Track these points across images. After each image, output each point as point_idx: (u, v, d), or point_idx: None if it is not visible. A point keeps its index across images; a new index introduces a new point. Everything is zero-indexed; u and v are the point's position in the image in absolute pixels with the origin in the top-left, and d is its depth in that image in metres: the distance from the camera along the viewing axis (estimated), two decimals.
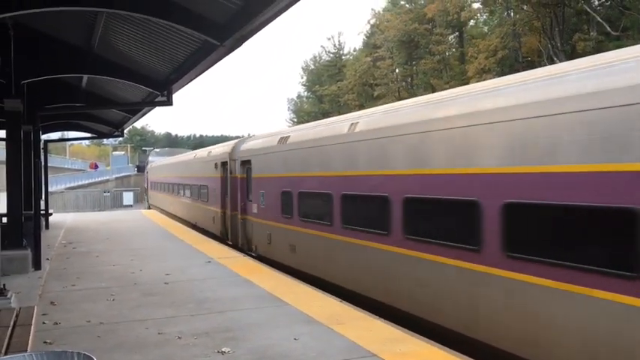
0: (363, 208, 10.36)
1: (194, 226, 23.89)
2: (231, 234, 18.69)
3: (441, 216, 8.21)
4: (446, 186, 7.91)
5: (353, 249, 10.53)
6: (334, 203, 11.25)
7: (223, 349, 6.56)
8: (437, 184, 8.10)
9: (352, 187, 10.65)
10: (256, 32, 8.49)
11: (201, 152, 25.31)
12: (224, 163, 19.36)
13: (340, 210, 11.07)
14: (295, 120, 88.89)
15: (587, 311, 5.81)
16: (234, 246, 17.53)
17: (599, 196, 5.71)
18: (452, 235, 7.82)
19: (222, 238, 19.34)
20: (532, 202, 6.49)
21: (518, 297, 6.64)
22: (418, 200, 8.53)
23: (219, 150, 21.22)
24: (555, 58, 38.52)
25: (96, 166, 79.89)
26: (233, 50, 9.55)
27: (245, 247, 17.01)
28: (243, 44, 9.13)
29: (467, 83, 40.53)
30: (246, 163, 17.23)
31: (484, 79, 36.50)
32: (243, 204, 17.45)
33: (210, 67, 11.23)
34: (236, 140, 20.09)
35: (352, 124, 10.99)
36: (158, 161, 41.77)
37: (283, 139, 14.39)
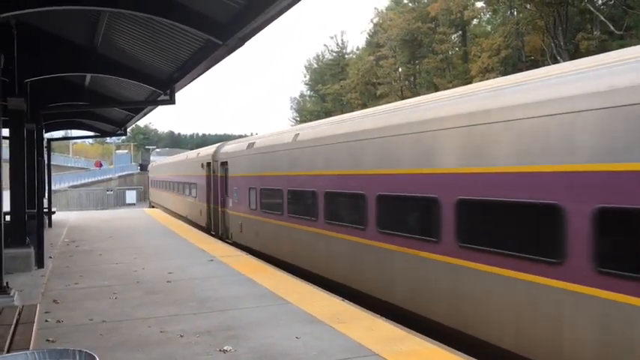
0: (300, 200, 13.22)
1: (186, 220, 26.37)
2: (214, 225, 21.31)
3: (344, 204, 11.37)
4: (343, 182, 11.11)
5: (294, 232, 13.47)
6: (284, 197, 14.12)
7: (225, 348, 6.58)
8: (340, 182, 11.26)
9: (294, 184, 13.42)
10: (258, 31, 8.50)
11: (192, 154, 28.49)
12: (209, 164, 22.07)
13: (287, 202, 13.98)
14: (298, 119, 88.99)
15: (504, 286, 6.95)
16: (217, 235, 20.03)
17: (526, 192, 6.58)
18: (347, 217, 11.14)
19: (207, 230, 21.79)
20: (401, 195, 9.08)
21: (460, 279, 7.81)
22: (336, 194, 11.55)
23: (205, 152, 24.14)
24: (559, 57, 38.45)
25: (100, 165, 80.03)
26: (235, 49, 9.56)
27: (224, 236, 19.69)
28: (246, 43, 9.14)
29: (470, 82, 40.73)
30: (224, 164, 19.83)
31: (487, 78, 36.50)
32: (222, 199, 20.04)
33: (212, 66, 11.24)
34: (219, 144, 22.63)
35: (295, 134, 13.85)
36: (157, 161, 45.46)
37: (250, 145, 17.28)
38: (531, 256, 6.50)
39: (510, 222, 6.99)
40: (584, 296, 5.89)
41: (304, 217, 12.88)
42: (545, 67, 7.61)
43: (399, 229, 9.16)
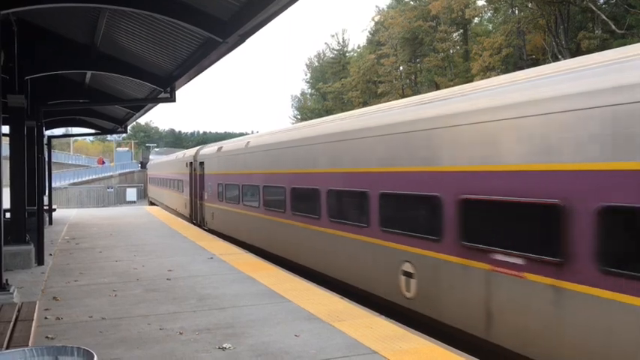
0: (250, 192, 17.06)
1: (176, 213, 29.98)
2: (194, 215, 25.29)
3: (276, 195, 14.53)
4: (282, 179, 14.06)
5: (248, 218, 17.23)
6: (240, 190, 17.92)
7: (224, 346, 6.58)
8: (281, 178, 14.13)
9: (246, 180, 17.34)
10: (259, 29, 8.50)
11: (180, 154, 32.78)
12: (191, 163, 25.79)
13: (242, 194, 17.77)
14: (299, 117, 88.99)
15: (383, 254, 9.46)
16: (197, 224, 23.87)
17: (420, 187, 8.40)
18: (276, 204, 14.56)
19: (190, 219, 25.70)
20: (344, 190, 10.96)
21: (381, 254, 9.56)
22: (272, 187, 14.72)
23: (188, 153, 28.34)
24: (560, 56, 38.40)
25: (103, 162, 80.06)
26: (236, 47, 9.56)
27: (202, 223, 23.48)
28: (247, 41, 9.14)
29: (471, 80, 40.76)
30: (202, 164, 23.47)
31: (488, 76, 36.42)
32: (200, 192, 23.81)
33: (213, 63, 11.24)
34: (200, 146, 27.26)
35: (247, 142, 17.83)
36: (155, 160, 50.46)
37: (219, 149, 21.13)
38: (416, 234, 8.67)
39: (411, 208, 8.89)
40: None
41: (254, 206, 16.50)
42: (433, 93, 9.52)
43: (344, 218, 10.90)
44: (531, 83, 6.77)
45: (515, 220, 6.67)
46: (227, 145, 20.58)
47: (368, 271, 9.85)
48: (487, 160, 7.08)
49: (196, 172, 24.56)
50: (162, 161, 41.48)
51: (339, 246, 10.96)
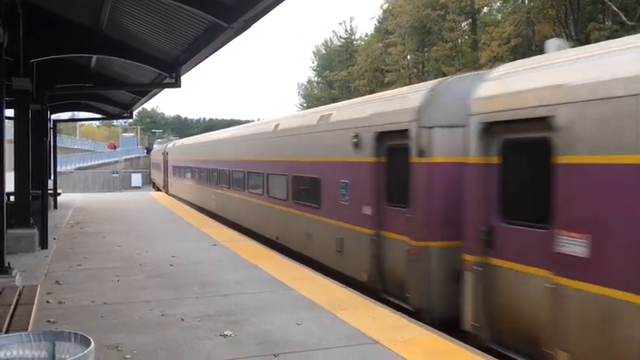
0: (205, 173, 23.97)
1: (158, 189, 42.16)
2: (164, 186, 37.82)
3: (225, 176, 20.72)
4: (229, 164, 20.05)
5: (199, 189, 25.22)
6: (194, 172, 27.08)
7: (226, 333, 6.56)
8: (224, 164, 20.54)
9: (200, 164, 25.17)
10: (264, 14, 8.39)
11: (162, 146, 46.12)
12: (165, 152, 38.21)
13: (196, 174, 26.57)
14: (305, 105, 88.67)
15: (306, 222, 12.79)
16: (166, 192, 35.74)
17: (349, 175, 10.66)
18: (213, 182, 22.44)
19: (165, 189, 37.51)
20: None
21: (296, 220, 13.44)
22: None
23: (165, 145, 41.44)
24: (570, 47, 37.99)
25: (114, 147, 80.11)
26: (241, 32, 9.46)
27: (167, 191, 35.64)
28: (252, 26, 9.03)
29: (479, 69, 40.17)
30: (168, 153, 36.53)
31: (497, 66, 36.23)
32: (168, 172, 36.53)
33: (218, 49, 11.14)
34: (174, 141, 42.00)
35: (198, 142, 28.46)
36: (155, 148, 58.51)
37: (176, 144, 35.08)
38: (309, 204, 12.63)
39: (305, 186, 12.92)
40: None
41: (207, 183, 23.67)
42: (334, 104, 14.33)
43: (291, 197, 13.89)
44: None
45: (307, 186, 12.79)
46: (178, 141, 36.95)
47: (312, 241, 12.42)
48: (304, 152, 12.95)
49: (167, 159, 37.42)
50: (156, 149, 49.48)
51: (271, 214, 15.24)
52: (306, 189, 12.78)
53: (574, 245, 5.58)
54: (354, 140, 10.14)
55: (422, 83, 10.11)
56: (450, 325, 7.41)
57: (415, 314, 8.00)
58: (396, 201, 9.04)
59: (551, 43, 7.55)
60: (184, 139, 37.20)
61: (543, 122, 5.96)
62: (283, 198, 14.14)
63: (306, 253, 12.37)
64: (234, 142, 19.70)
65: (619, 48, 5.69)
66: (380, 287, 9.37)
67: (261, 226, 15.96)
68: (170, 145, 37.63)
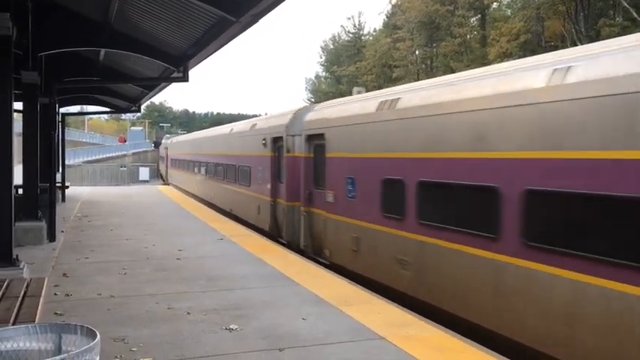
0: (191, 165, 30.54)
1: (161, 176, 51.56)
2: (164, 176, 46.75)
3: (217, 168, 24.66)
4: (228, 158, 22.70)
5: (188, 177, 31.89)
6: (184, 164, 34.00)
7: (231, 327, 6.57)
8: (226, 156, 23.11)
9: (187, 156, 32.57)
10: (272, 9, 8.36)
11: (168, 139, 52.12)
12: (166, 148, 45.90)
13: (185, 166, 33.82)
14: (313, 99, 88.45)
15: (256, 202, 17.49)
16: (165, 182, 43.80)
17: (262, 164, 16.49)
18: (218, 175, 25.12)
19: (164, 179, 47.01)
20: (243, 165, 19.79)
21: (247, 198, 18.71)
22: (213, 163, 24.19)
23: (167, 141, 49.48)
24: (579, 43, 37.76)
25: (124, 141, 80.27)
26: (249, 27, 9.44)
27: (167, 181, 43.19)
28: (260, 21, 9.02)
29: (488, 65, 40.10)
30: (167, 148, 44.13)
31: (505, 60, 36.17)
32: (168, 164, 43.59)
33: (226, 43, 11.13)
34: (172, 139, 47.19)
35: (173, 140, 43.21)
36: (163, 144, 67.08)
37: (172, 141, 43.66)
38: (245, 184, 18.45)
39: (243, 172, 18.33)
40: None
41: (194, 172, 29.76)
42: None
43: (237, 180, 19.78)
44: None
45: (244, 171, 18.60)
46: (174, 138, 45.72)
47: (247, 209, 18.24)
48: (242, 149, 18.83)
49: (167, 153, 45.42)
50: (162, 144, 55.86)
51: (227, 192, 21.39)
52: (244, 174, 18.77)
53: (330, 197, 11.65)
54: (263, 142, 16.10)
55: (291, 109, 15.49)
56: (297, 248, 13.17)
57: (288, 245, 13.40)
58: (280, 179, 15.14)
59: (355, 90, 13.96)
60: (180, 136, 46.57)
61: (322, 136, 12.07)
62: (233, 181, 20.46)
63: (243, 217, 18.38)
64: (206, 141, 27.02)
65: (353, 99, 12.18)
66: (275, 233, 15.15)
67: (223, 202, 22.24)
68: (169, 141, 46.75)
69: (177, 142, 40.22)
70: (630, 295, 5.19)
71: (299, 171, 13.40)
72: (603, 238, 5.58)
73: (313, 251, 12.52)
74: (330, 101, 13.87)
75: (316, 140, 12.44)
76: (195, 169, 29.50)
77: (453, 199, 7.80)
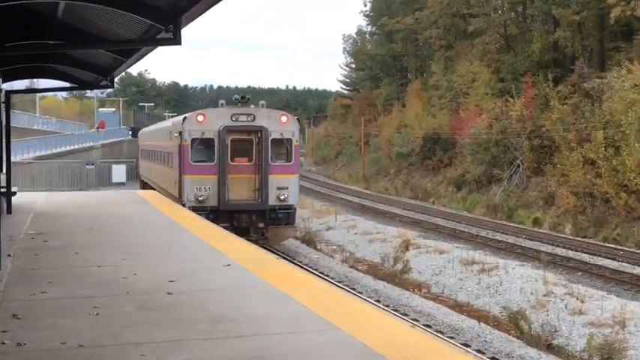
0: (149, 154, 48.34)
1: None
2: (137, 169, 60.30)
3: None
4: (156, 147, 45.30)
5: (147, 166, 49.73)
6: (145, 153, 52.99)
7: None
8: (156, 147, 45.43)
9: (147, 147, 51.94)
10: None
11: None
12: (139, 137, 62.80)
13: (145, 154, 52.84)
14: (353, 65, 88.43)
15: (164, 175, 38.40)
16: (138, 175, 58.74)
17: (169, 149, 36.33)
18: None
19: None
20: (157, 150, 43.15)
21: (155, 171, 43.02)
22: (150, 150, 46.50)
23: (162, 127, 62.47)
24: None
25: (104, 126, 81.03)
26: None
27: (138, 173, 57.14)
28: None
29: (608, 12, 40.02)
30: (139, 138, 62.04)
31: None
32: (138, 155, 58.26)
33: None
34: (146, 129, 60.54)
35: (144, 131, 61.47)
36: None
37: (143, 131, 60.54)
38: (169, 165, 36.55)
39: (168, 156, 36.24)
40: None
41: (156, 161, 42.95)
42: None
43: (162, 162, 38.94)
44: None
45: (168, 156, 37.41)
46: (146, 129, 58.04)
47: (167, 183, 34.96)
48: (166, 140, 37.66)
49: (139, 143, 60.82)
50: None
51: (162, 172, 38.36)
52: (168, 157, 34.54)
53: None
54: (175, 135, 31.48)
55: (188, 114, 32.70)
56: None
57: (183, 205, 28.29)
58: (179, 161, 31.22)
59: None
60: (150, 126, 58.55)
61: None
62: (165, 164, 35.92)
63: (168, 190, 33.22)
64: (156, 132, 44.69)
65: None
66: (179, 201, 29.05)
67: (160, 181, 38.35)
68: (143, 131, 60.10)
69: (144, 133, 57.18)
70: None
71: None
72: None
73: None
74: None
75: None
76: (151, 159, 46.29)
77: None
